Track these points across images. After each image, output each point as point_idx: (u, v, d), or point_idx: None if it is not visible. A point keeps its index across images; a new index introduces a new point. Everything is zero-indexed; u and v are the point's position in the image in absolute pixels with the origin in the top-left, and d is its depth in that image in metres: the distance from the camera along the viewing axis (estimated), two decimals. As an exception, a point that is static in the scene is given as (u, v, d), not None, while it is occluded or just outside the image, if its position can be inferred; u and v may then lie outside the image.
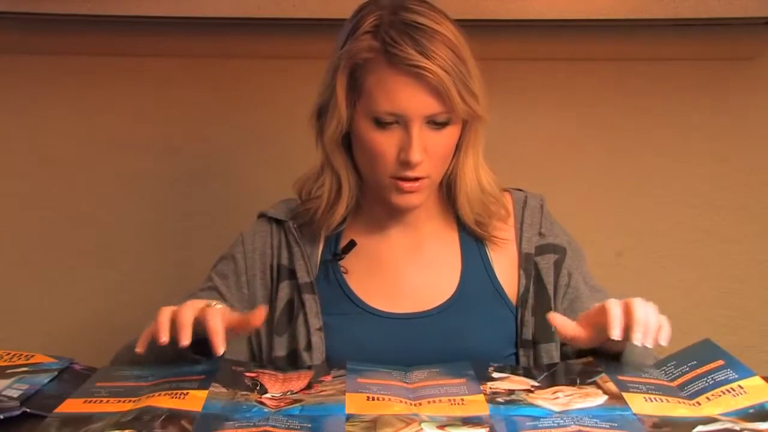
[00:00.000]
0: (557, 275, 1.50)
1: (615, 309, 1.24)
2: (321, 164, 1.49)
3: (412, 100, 1.37)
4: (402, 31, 1.37)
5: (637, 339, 1.22)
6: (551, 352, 1.47)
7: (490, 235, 1.50)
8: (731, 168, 2.02)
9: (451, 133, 1.42)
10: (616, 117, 2.01)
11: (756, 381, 1.18)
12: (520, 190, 1.56)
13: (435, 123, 1.39)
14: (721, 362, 1.24)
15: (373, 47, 1.38)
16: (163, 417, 1.10)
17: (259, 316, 1.26)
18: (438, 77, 1.35)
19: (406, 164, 1.38)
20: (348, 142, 1.46)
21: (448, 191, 1.50)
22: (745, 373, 1.20)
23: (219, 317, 1.23)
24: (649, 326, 1.23)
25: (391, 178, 1.41)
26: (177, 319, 1.22)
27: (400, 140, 1.39)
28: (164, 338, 1.21)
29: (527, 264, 1.50)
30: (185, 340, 1.20)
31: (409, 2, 1.40)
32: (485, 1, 1.88)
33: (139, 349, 1.24)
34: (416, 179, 1.40)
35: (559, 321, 1.31)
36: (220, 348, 1.21)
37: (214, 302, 1.27)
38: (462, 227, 1.52)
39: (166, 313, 1.23)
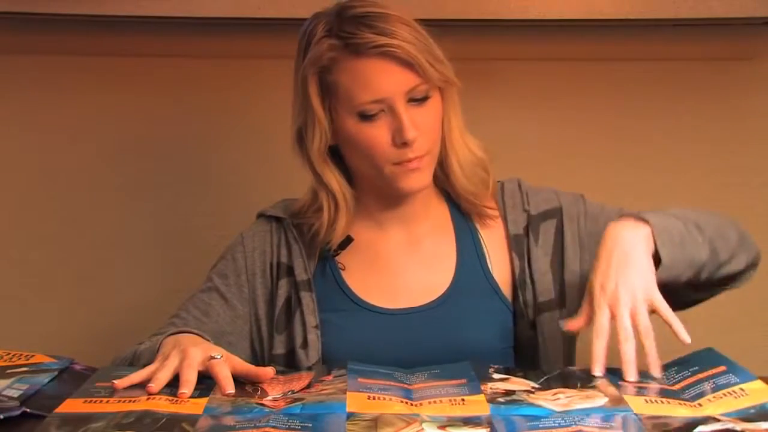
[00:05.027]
0: (562, 237, 1.50)
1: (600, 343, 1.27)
2: (313, 189, 1.49)
3: (388, 80, 1.38)
4: (356, 22, 1.39)
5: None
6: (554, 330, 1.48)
7: (481, 205, 1.51)
8: (731, 168, 2.02)
9: (434, 105, 1.43)
10: (616, 117, 2.01)
11: (757, 384, 1.18)
12: (497, 181, 1.56)
13: (415, 100, 1.40)
14: (722, 368, 1.24)
15: (333, 46, 1.40)
16: (164, 420, 1.10)
17: (268, 372, 1.28)
18: (405, 50, 1.37)
19: (404, 145, 1.39)
20: (334, 156, 1.47)
21: (441, 168, 1.50)
22: (747, 377, 1.20)
23: (226, 367, 1.24)
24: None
25: (393, 166, 1.41)
26: (181, 376, 1.22)
27: (390, 126, 1.40)
28: (156, 391, 1.21)
29: (518, 246, 1.50)
30: (189, 394, 1.20)
31: (350, 2, 1.42)
32: (485, 1, 1.87)
33: (120, 386, 1.22)
34: (417, 157, 1.41)
35: (573, 324, 1.33)
36: (229, 391, 1.22)
37: (216, 353, 1.27)
38: (454, 215, 1.52)
39: (166, 371, 1.23)
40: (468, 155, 1.49)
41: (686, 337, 1.27)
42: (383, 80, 1.38)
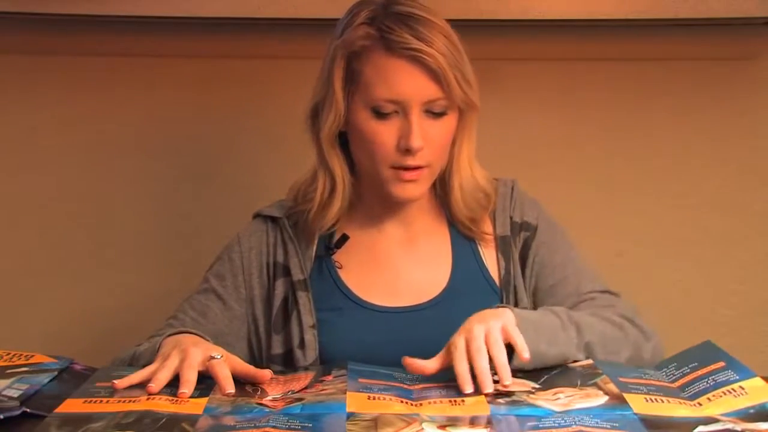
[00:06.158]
0: (526, 254, 1.51)
1: (462, 366, 1.22)
2: (315, 167, 1.49)
3: (411, 85, 1.38)
4: (398, 20, 1.39)
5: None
6: None
7: (481, 232, 1.51)
8: (731, 168, 2.02)
9: (449, 123, 1.43)
10: (616, 117, 2.01)
11: (757, 382, 1.18)
12: (494, 179, 1.56)
13: (433, 113, 1.40)
14: (721, 364, 1.24)
15: (370, 35, 1.40)
16: (164, 420, 1.10)
17: (266, 374, 1.28)
18: (436, 61, 1.37)
19: (407, 151, 1.39)
20: (343, 142, 1.47)
21: (442, 186, 1.51)
22: (746, 374, 1.20)
23: (226, 367, 1.25)
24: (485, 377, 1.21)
25: (391, 169, 1.41)
26: (181, 376, 1.22)
27: (400, 129, 1.40)
28: (157, 391, 1.21)
29: (504, 246, 1.51)
30: (189, 394, 1.20)
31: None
32: (485, 1, 1.88)
33: (120, 386, 1.23)
34: (417, 168, 1.41)
35: (410, 363, 1.27)
36: (229, 391, 1.22)
37: (216, 353, 1.27)
38: (452, 226, 1.53)
39: (167, 371, 1.23)
40: (471, 181, 1.49)
41: (526, 355, 1.24)
42: (406, 83, 1.38)
